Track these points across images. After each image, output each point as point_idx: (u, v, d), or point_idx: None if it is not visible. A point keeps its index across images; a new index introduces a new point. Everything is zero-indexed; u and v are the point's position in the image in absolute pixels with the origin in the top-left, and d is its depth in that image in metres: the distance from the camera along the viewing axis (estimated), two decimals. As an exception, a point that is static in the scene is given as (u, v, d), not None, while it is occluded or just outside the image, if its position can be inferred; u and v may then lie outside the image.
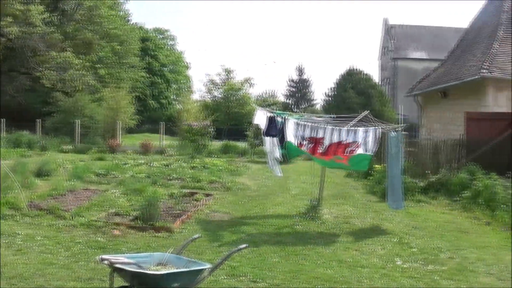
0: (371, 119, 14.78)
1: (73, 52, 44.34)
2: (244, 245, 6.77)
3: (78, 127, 38.06)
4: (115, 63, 53.27)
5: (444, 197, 17.10)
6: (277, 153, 14.61)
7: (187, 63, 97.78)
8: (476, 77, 23.33)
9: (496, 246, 11.20)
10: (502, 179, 16.35)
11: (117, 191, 16.10)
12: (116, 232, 10.92)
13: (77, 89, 44.09)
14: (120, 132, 39.89)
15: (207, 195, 16.32)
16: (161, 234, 11.01)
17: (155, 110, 74.65)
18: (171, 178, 20.03)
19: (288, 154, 14.12)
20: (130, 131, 49.98)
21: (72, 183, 17.00)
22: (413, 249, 10.63)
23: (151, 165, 24.18)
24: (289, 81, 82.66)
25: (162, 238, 10.78)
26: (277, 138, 14.14)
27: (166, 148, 34.99)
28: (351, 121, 14.84)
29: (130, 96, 45.36)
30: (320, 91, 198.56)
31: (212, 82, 73.83)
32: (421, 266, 9.45)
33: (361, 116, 15.06)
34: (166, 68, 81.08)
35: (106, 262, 5.74)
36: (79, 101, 42.59)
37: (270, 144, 14.66)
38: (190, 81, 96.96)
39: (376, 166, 21.27)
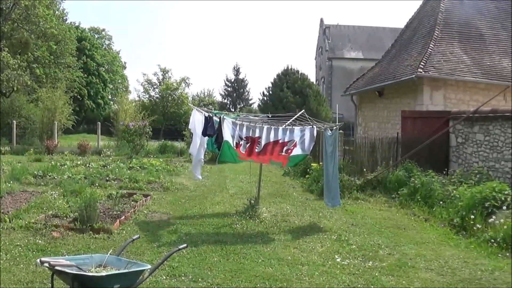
0: (307, 118, 14.89)
1: (9, 52, 43.47)
2: (183, 245, 6.71)
3: (14, 128, 37.26)
4: (52, 63, 52.33)
5: (382, 195, 17.25)
6: (202, 154, 14.71)
7: (123, 62, 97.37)
8: (412, 76, 23.67)
9: (435, 241, 11.36)
10: (438, 176, 16.62)
11: (55, 192, 15.73)
12: (55, 234, 10.70)
13: (13, 89, 43.28)
14: (57, 133, 39.17)
15: (146, 195, 16.09)
16: (100, 235, 10.84)
17: (92, 110, 73.84)
18: (109, 179, 19.72)
19: (222, 155, 13.89)
20: (67, 131, 49.07)
21: (10, 185, 16.60)
22: (352, 246, 10.69)
23: (89, 166, 23.76)
24: (226, 81, 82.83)
25: (102, 239, 10.61)
26: (208, 139, 14.29)
27: (103, 148, 34.52)
28: (288, 120, 14.94)
29: (67, 96, 44.53)
30: (257, 91, 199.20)
31: (148, 81, 73.63)
32: (360, 262, 9.52)
33: (297, 115, 15.15)
34: (102, 68, 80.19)
35: (46, 264, 5.62)
36: (16, 102, 41.88)
37: (198, 145, 14.54)
38: (126, 81, 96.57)
39: (313, 164, 21.39)
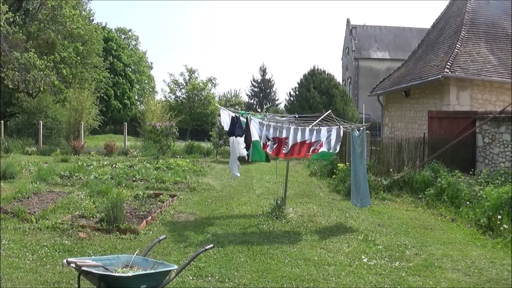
0: (334, 118, 14.94)
1: (36, 52, 43.67)
2: (210, 246, 6.71)
3: (41, 128, 37.49)
4: (78, 63, 52.36)
5: (408, 195, 17.17)
6: (242, 151, 14.69)
7: (150, 63, 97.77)
8: (439, 76, 23.51)
9: (462, 242, 11.28)
10: (465, 176, 16.51)
11: (82, 193, 15.76)
12: (82, 234, 10.74)
13: (40, 90, 43.48)
14: (84, 133, 39.40)
15: (172, 196, 16.14)
16: (127, 236, 10.88)
17: (119, 111, 74.25)
18: (135, 179, 19.83)
19: (253, 154, 13.88)
20: (93, 132, 49.50)
21: (37, 185, 16.62)
22: (379, 246, 10.65)
23: (115, 166, 23.88)
24: (253, 81, 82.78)
25: (128, 240, 10.65)
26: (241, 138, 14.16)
27: (129, 149, 34.62)
28: (314, 120, 14.94)
29: (93, 97, 44.80)
30: (283, 91, 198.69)
31: (175, 82, 73.75)
32: (387, 263, 9.48)
33: (324, 116, 15.13)
34: (129, 68, 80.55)
35: (72, 265, 5.61)
36: (42, 102, 42.09)
37: (234, 142, 14.70)
38: (153, 81, 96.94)
39: (340, 165, 21.33)
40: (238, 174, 15.44)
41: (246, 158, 15.39)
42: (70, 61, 51.14)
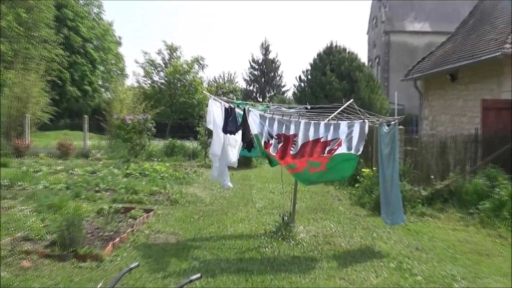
0: (357, 110, 14.60)
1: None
2: (197, 275, 6.65)
3: (-30, 123, 37.12)
4: (21, 36, 52.07)
5: (456, 209, 17.17)
6: (233, 156, 14.15)
7: (117, 37, 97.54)
8: (497, 54, 23.30)
9: (528, 272, 11.22)
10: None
11: (27, 208, 15.72)
12: (26, 263, 10.59)
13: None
14: (30, 129, 39.19)
15: (147, 211, 16.17)
16: (87, 264, 10.77)
17: (77, 100, 74.13)
18: (99, 189, 19.85)
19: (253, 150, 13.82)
20: (43, 127, 49.17)
21: (-34, 198, 16.66)
22: (417, 277, 10.61)
23: (72, 172, 23.86)
24: (252, 62, 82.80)
25: (89, 269, 10.54)
26: (239, 136, 13.84)
27: (91, 149, 34.71)
28: (331, 112, 14.75)
29: (43, 82, 44.55)
30: (291, 75, 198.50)
31: (151, 63, 73.65)
32: (428, 299, 9.44)
33: (344, 107, 14.97)
34: (90, 44, 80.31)
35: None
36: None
37: (222, 143, 14.35)
38: (122, 62, 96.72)
39: (365, 170, 21.33)
40: (231, 185, 14.92)
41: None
42: (10, 33, 50.85)
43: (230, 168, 14.01)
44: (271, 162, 14.40)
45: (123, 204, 17.09)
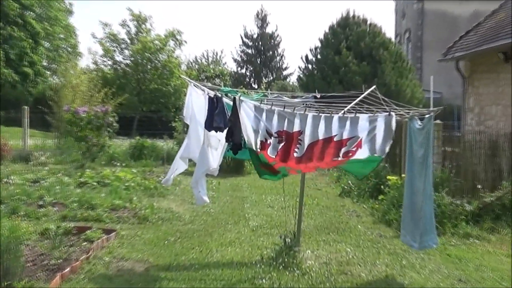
0: (381, 99, 14.15)
1: None
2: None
3: None
4: None
5: (511, 229, 17.13)
6: (214, 162, 13.94)
7: (68, 4, 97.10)
8: None
9: None
10: None
11: None
12: None
13: None
14: None
15: (108, 231, 16.10)
16: (28, 301, 10.80)
17: (13, 86, 73.71)
18: (43, 203, 19.68)
19: (252, 161, 13.53)
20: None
21: None
22: (460, 319, 10.64)
23: (8, 181, 23.79)
24: (245, 38, 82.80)
25: (29, 309, 10.60)
26: (223, 134, 13.23)
27: (34, 151, 34.60)
28: (348, 103, 14.39)
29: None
30: (295, 55, 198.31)
31: (112, 37, 73.44)
32: None
33: (364, 95, 14.82)
34: (31, 13, 79.88)
35: None
36: None
37: (205, 143, 14.08)
38: (74, 36, 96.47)
39: (391, 177, 21.22)
40: (207, 199, 14.53)
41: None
42: None
43: (209, 175, 13.88)
44: (260, 173, 13.60)
45: (76, 223, 16.99)
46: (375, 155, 12.70)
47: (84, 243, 14.52)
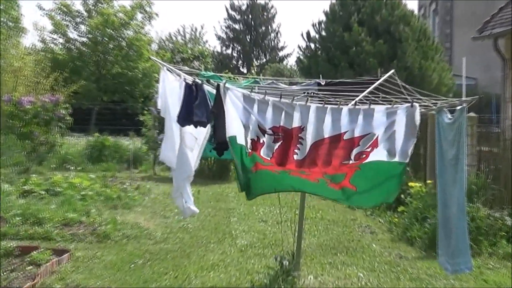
0: (401, 86, 13.70)
1: None
2: None
3: None
4: None
5: None
6: (191, 165, 13.23)
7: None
8: None
9: None
10: None
11: None
12: None
13: None
14: None
15: (59, 252, 16.01)
16: None
17: None
18: (-22, 217, 19.73)
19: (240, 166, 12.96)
20: None
21: None
22: None
23: None
24: (231, 10, 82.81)
25: None
26: (208, 131, 13.01)
27: (-35, 152, 34.67)
28: (361, 91, 14.18)
29: None
30: (294, 31, 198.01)
31: (65, 10, 73.18)
32: None
33: (381, 81, 14.71)
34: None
35: None
36: None
37: (179, 144, 13.71)
38: (16, 8, 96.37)
39: (413, 184, 21.06)
40: (195, 209, 13.89)
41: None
42: None
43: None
44: (242, 187, 12.14)
45: (19, 242, 16.95)
46: (396, 160, 11.58)
47: (29, 267, 14.45)
